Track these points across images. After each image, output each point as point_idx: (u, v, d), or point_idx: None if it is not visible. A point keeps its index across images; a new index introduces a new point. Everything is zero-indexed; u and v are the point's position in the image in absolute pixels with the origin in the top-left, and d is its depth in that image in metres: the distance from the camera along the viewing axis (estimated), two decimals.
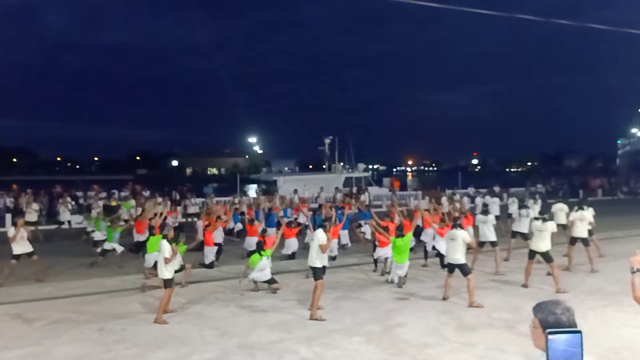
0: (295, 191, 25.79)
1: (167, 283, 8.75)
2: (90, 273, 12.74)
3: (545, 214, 11.48)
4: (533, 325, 2.58)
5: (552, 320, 2.50)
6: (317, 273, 8.79)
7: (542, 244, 10.27)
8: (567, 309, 2.55)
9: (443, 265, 11.88)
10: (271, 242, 11.19)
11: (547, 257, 10.25)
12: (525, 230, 13.17)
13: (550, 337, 2.18)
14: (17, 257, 11.56)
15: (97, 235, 14.97)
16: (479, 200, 22.07)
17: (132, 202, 20.64)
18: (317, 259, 8.84)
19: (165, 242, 8.83)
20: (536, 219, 11.00)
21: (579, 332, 2.20)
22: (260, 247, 10.69)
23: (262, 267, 10.44)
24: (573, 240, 12.32)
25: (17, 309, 9.50)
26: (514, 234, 13.82)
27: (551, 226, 10.42)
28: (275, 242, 11.07)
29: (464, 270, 9.35)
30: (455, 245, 9.45)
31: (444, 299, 9.59)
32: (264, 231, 11.74)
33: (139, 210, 16.98)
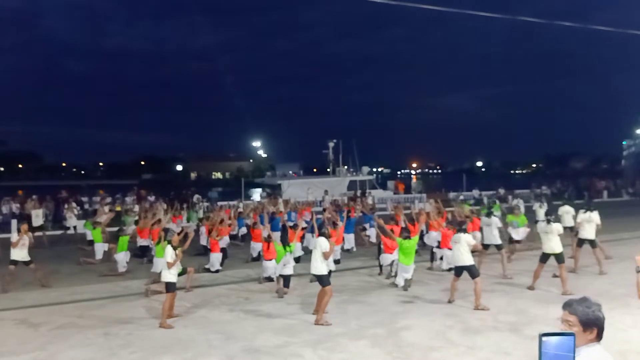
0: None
1: (169, 287, 8.73)
2: (95, 278, 12.76)
3: (551, 215, 11.42)
4: (570, 324, 2.57)
5: (592, 316, 2.53)
6: (325, 280, 8.78)
7: (554, 244, 10.23)
8: (599, 305, 2.59)
9: (449, 268, 11.87)
10: (293, 236, 11.46)
11: (560, 257, 10.20)
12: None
13: (544, 339, 2.14)
14: (15, 262, 11.61)
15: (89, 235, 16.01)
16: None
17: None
18: (322, 266, 8.84)
19: (169, 247, 8.84)
20: (542, 220, 10.97)
21: (572, 334, 2.17)
22: (285, 241, 10.78)
23: (285, 262, 10.61)
24: (580, 242, 12.27)
25: (22, 314, 9.53)
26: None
27: (556, 228, 10.37)
28: (296, 236, 11.59)
29: (472, 272, 9.31)
30: (459, 247, 9.46)
31: (450, 301, 9.56)
32: (269, 237, 11.74)
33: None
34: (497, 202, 22.14)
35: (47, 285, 11.75)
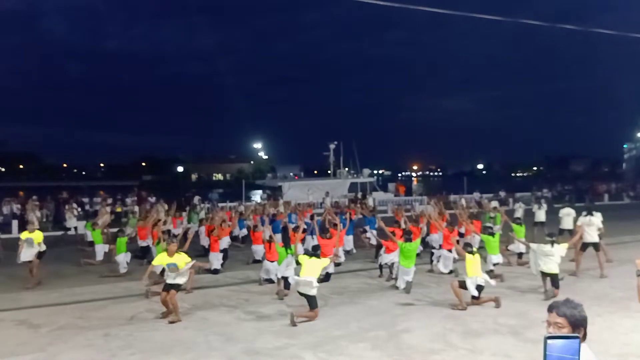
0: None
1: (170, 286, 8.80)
2: (95, 279, 12.77)
3: (552, 220, 11.41)
4: (560, 326, 2.56)
5: (579, 317, 2.55)
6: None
7: (552, 265, 10.00)
8: (582, 304, 2.62)
9: (449, 271, 11.92)
10: (294, 237, 11.49)
11: (555, 280, 9.95)
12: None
13: (549, 341, 2.15)
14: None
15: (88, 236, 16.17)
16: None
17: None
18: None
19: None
20: (548, 235, 10.79)
21: (577, 337, 2.17)
22: (287, 243, 10.81)
23: (288, 263, 10.65)
24: (584, 246, 12.19)
25: (23, 315, 9.53)
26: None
27: (560, 250, 10.08)
28: (298, 238, 11.54)
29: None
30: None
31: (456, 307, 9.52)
32: (270, 237, 11.76)
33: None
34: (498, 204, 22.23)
35: (32, 288, 11.62)
